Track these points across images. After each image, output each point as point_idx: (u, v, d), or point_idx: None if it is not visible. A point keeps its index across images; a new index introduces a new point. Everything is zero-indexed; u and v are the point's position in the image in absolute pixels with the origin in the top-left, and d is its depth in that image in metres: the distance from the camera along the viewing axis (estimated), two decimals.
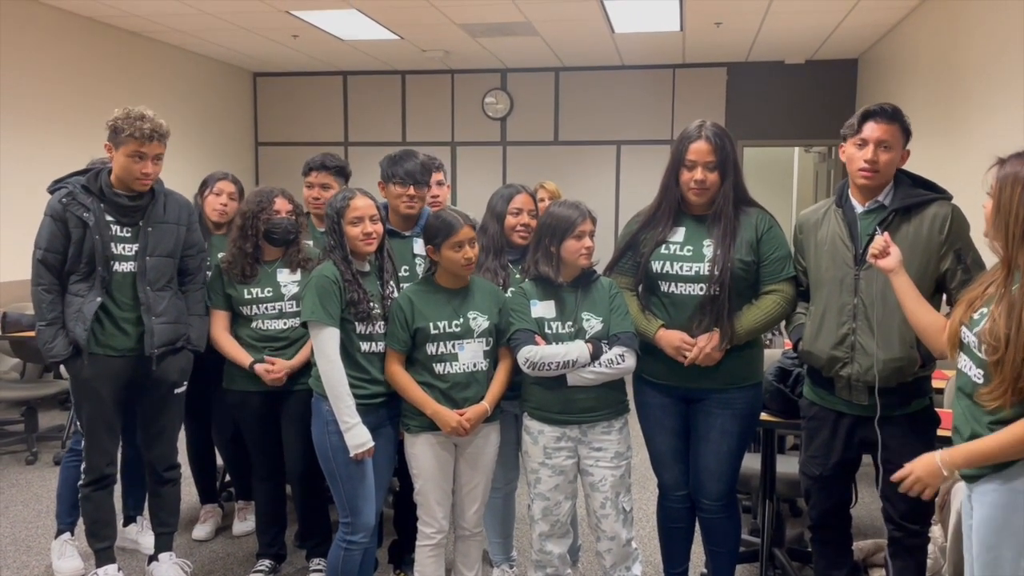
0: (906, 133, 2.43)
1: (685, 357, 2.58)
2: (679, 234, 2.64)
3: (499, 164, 8.45)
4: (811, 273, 2.61)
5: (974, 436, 1.90)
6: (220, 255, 3.20)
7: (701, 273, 2.58)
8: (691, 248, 2.62)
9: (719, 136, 2.56)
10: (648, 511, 4.03)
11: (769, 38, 6.86)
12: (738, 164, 2.64)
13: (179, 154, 6.91)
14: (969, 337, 1.93)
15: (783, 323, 2.78)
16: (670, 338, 2.60)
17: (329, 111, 8.70)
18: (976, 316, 1.92)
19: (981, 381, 1.88)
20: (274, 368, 3.03)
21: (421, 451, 2.68)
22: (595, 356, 2.58)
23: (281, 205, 3.07)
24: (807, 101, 7.84)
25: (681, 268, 2.61)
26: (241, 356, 3.07)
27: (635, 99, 8.10)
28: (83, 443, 3.05)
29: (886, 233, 2.33)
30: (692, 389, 2.66)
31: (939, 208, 2.41)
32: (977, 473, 1.91)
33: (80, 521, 3.24)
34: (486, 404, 2.66)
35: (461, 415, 2.62)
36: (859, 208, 2.50)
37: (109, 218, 2.89)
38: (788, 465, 3.40)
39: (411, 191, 3.00)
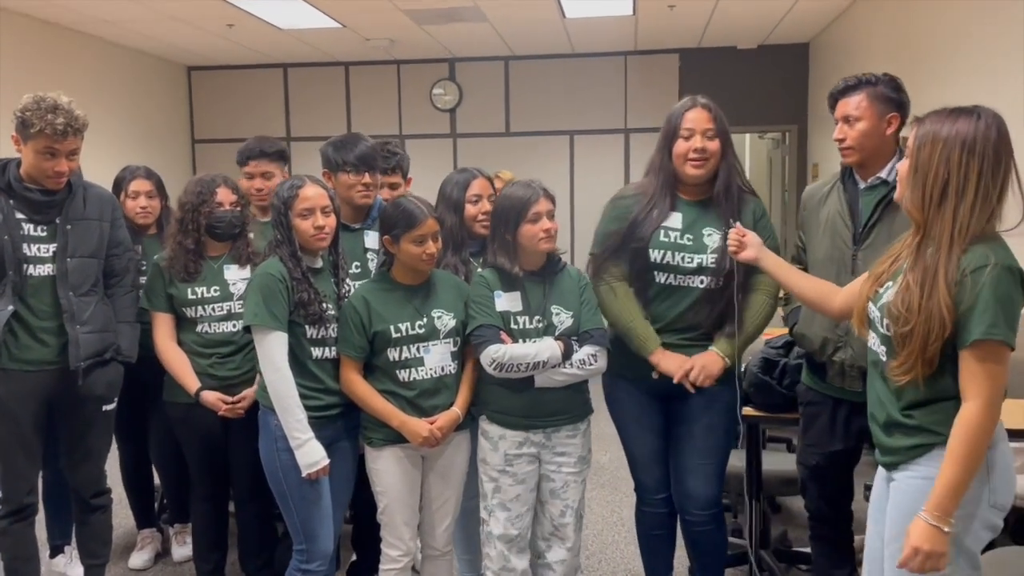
0: (881, 98, 2.29)
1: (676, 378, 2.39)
2: (676, 220, 2.42)
3: (449, 157, 8.21)
4: (810, 252, 2.47)
5: (890, 422, 1.79)
6: (156, 256, 2.88)
7: (705, 265, 2.38)
8: (691, 237, 2.41)
9: (715, 107, 2.41)
10: (624, 515, 3.83)
11: (722, 22, 6.74)
12: (734, 145, 2.46)
13: (111, 154, 6.51)
14: (874, 312, 1.82)
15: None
16: (671, 364, 2.39)
17: (270, 105, 8.33)
18: (881, 290, 1.83)
19: (885, 358, 1.79)
20: (235, 403, 2.71)
21: (386, 467, 2.41)
22: (566, 355, 2.36)
23: (224, 196, 2.76)
24: (760, 87, 7.76)
25: (683, 259, 2.40)
26: (188, 379, 2.73)
27: (587, 88, 7.92)
28: None
29: (737, 224, 2.25)
30: (672, 385, 2.44)
31: None
32: (896, 460, 1.80)
33: None
34: (457, 410, 2.42)
35: (432, 423, 2.36)
36: (862, 184, 2.36)
37: (20, 216, 2.56)
38: (770, 462, 3.23)
39: (366, 178, 2.71)
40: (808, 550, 2.79)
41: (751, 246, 2.23)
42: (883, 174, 2.32)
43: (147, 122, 7.70)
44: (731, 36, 7.33)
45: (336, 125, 8.21)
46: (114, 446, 3.51)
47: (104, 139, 6.91)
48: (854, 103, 2.29)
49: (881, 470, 1.91)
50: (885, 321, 1.77)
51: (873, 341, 1.87)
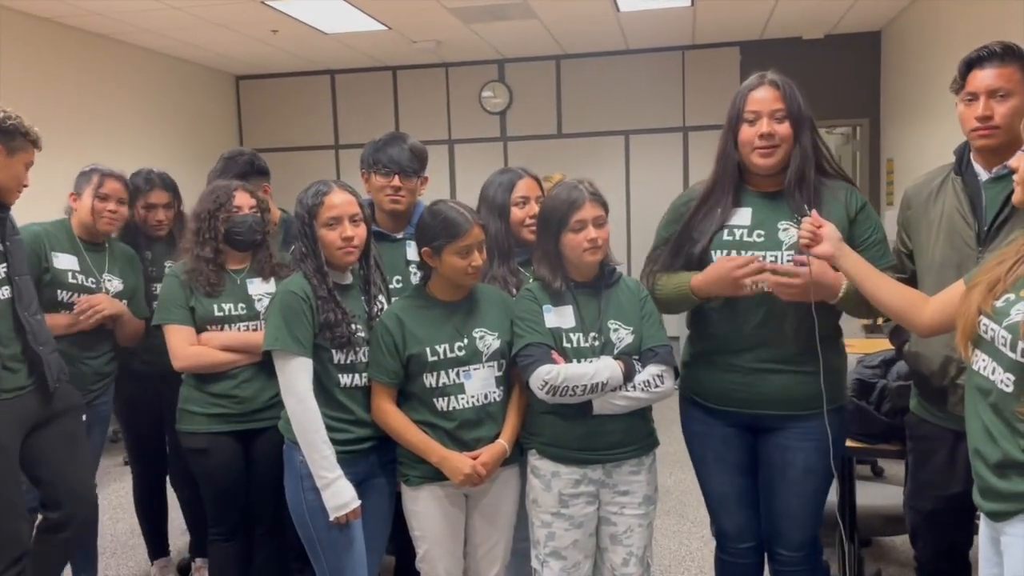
0: None
1: (749, 284, 2.00)
2: (744, 216, 2.09)
3: (500, 161, 7.97)
4: (921, 256, 2.11)
5: (1006, 461, 1.54)
6: (169, 268, 2.68)
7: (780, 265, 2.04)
8: (762, 232, 2.07)
9: (786, 84, 2.07)
10: (692, 548, 3.50)
11: (786, 11, 6.37)
12: (815, 123, 2.11)
13: (161, 164, 6.40)
14: (994, 331, 1.52)
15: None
16: (718, 269, 2.01)
17: (317, 113, 8.24)
18: (1001, 303, 1.56)
19: (1011, 389, 1.51)
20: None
21: (425, 508, 2.14)
22: (627, 376, 2.05)
23: (242, 200, 2.54)
24: (828, 79, 7.31)
25: None
26: (226, 354, 2.50)
27: (643, 85, 7.61)
28: None
29: (813, 212, 1.90)
30: (763, 416, 2.10)
31: None
32: (1010, 509, 1.54)
33: None
34: (503, 443, 2.13)
35: (475, 458, 2.09)
36: (984, 175, 2.00)
37: None
38: (865, 495, 2.86)
39: (396, 182, 2.47)
40: None
41: (828, 240, 1.88)
42: (1012, 162, 1.95)
43: (197, 133, 7.66)
44: (796, 26, 6.96)
45: (384, 130, 8.00)
46: (127, 470, 3.32)
47: (154, 151, 6.84)
48: (1005, 75, 1.93)
49: (986, 527, 1.59)
50: (1021, 346, 1.46)
51: (983, 364, 1.57)
